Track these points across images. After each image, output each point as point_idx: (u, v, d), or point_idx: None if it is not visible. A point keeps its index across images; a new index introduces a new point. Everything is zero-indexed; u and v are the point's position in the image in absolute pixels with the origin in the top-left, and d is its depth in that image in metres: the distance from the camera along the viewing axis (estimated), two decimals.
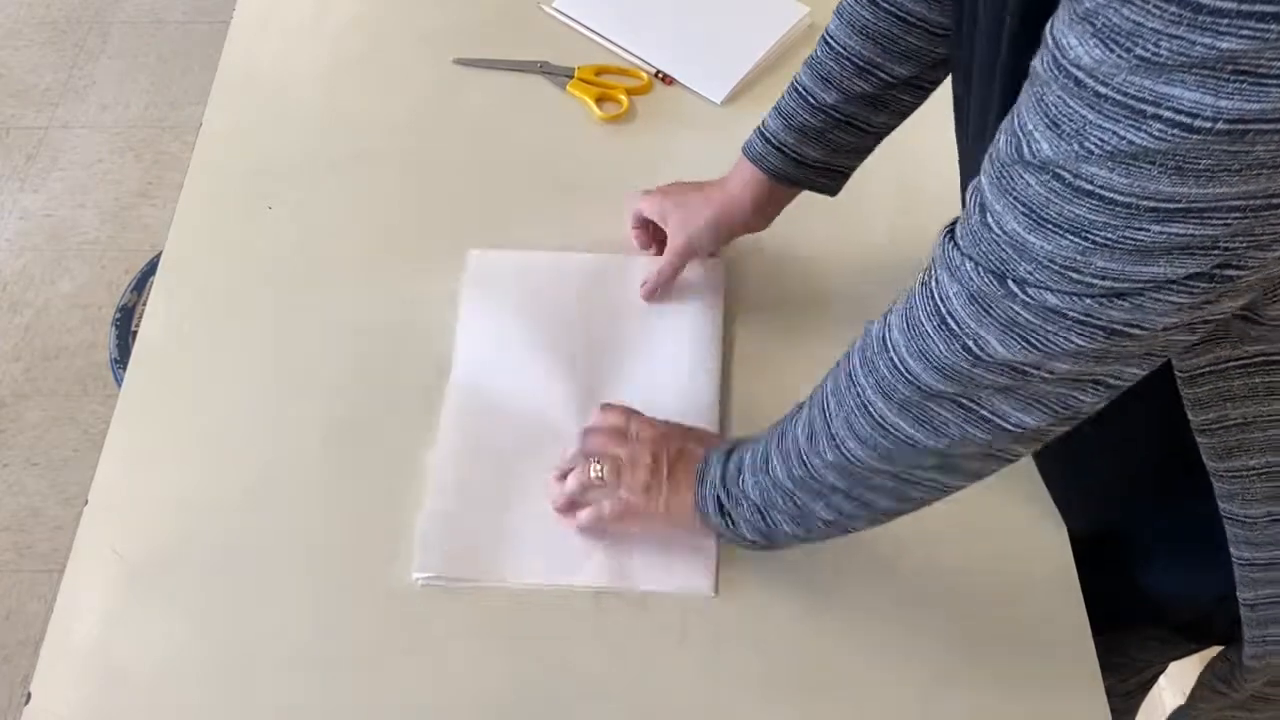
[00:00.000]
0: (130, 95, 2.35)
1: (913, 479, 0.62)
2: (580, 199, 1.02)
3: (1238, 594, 0.70)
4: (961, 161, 0.77)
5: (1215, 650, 0.82)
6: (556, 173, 1.05)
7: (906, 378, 0.57)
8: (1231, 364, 0.59)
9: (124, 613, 0.78)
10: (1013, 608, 0.79)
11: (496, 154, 1.06)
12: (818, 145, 0.85)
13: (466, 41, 1.15)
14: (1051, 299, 0.49)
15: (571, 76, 1.12)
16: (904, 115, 0.85)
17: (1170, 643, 0.87)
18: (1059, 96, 0.45)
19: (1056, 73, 0.45)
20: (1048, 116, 0.46)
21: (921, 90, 0.83)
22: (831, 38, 0.82)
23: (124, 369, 0.93)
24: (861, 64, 0.81)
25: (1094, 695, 0.75)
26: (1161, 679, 1.04)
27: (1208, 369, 0.60)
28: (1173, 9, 0.39)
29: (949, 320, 0.54)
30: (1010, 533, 0.83)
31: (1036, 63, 0.47)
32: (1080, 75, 0.44)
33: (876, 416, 0.60)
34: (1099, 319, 0.49)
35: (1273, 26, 0.38)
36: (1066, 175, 0.46)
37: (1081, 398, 0.54)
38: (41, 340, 1.96)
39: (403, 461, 0.85)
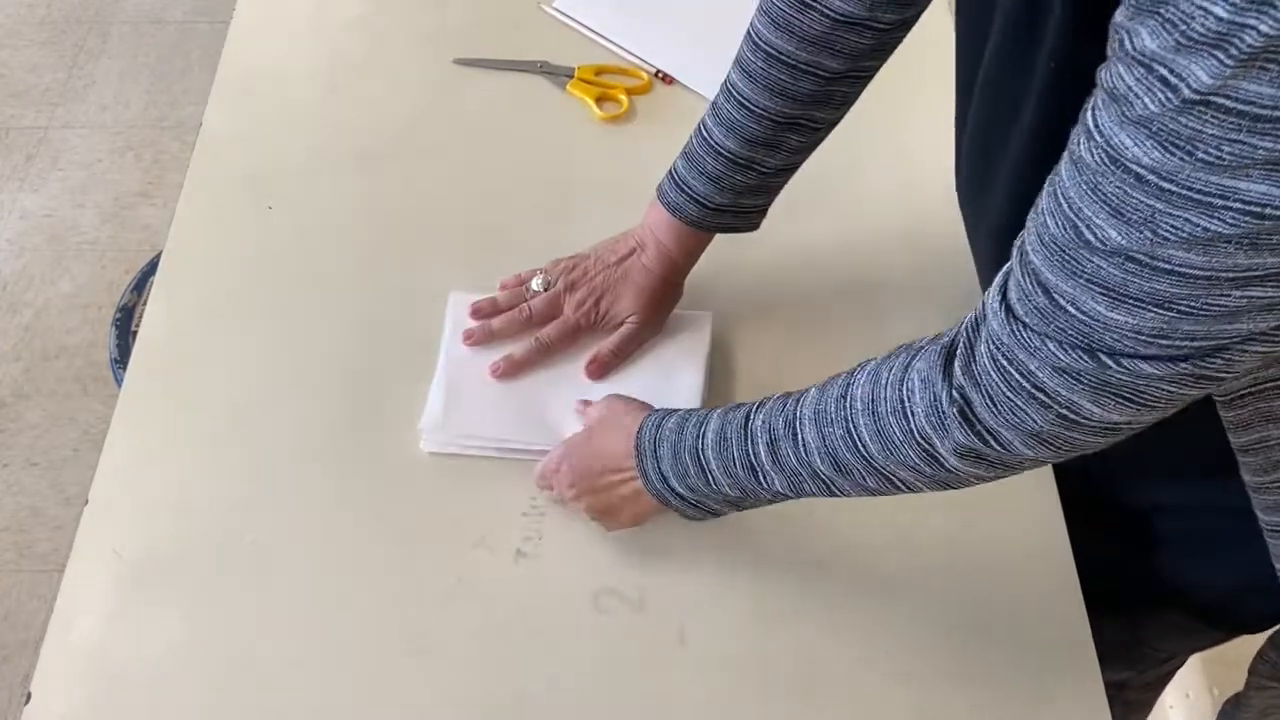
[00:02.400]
0: (130, 95, 2.35)
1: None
2: (580, 199, 1.02)
3: None
4: (958, 161, 0.77)
5: (1233, 639, 0.82)
6: (556, 173, 1.05)
7: (997, 447, 0.58)
8: (1269, 384, 0.59)
9: (124, 613, 0.78)
10: (1014, 607, 0.79)
11: (496, 154, 1.06)
12: (754, 195, 0.86)
13: (466, 41, 1.15)
14: (1145, 366, 0.50)
15: (571, 76, 1.12)
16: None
17: (1191, 630, 0.86)
18: (1119, 188, 0.45)
19: (1112, 167, 0.45)
20: (1109, 206, 0.46)
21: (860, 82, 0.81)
22: (745, 99, 0.81)
23: (124, 369, 0.93)
24: (781, 120, 0.80)
25: (1093, 691, 0.75)
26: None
27: (1247, 391, 0.59)
28: (1231, 120, 0.40)
29: (1039, 394, 0.54)
30: (1010, 529, 0.83)
31: (1082, 152, 0.47)
32: (1141, 172, 0.44)
33: (947, 466, 0.61)
34: (1191, 373, 0.50)
35: None
36: (1143, 258, 0.46)
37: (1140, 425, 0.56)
38: (41, 340, 1.96)
39: (402, 460, 0.85)
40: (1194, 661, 0.87)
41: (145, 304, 0.95)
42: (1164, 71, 0.42)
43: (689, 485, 0.72)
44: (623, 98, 1.10)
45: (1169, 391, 0.51)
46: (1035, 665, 0.77)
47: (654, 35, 1.15)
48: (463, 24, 1.17)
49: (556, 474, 0.80)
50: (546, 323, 0.89)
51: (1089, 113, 0.47)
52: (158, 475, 0.84)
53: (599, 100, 1.09)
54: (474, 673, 0.76)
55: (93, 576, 0.80)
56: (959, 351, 0.58)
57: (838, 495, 0.66)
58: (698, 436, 0.71)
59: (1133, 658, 0.80)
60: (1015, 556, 0.82)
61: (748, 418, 0.69)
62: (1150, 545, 0.81)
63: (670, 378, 0.89)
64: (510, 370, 0.88)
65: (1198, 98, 0.41)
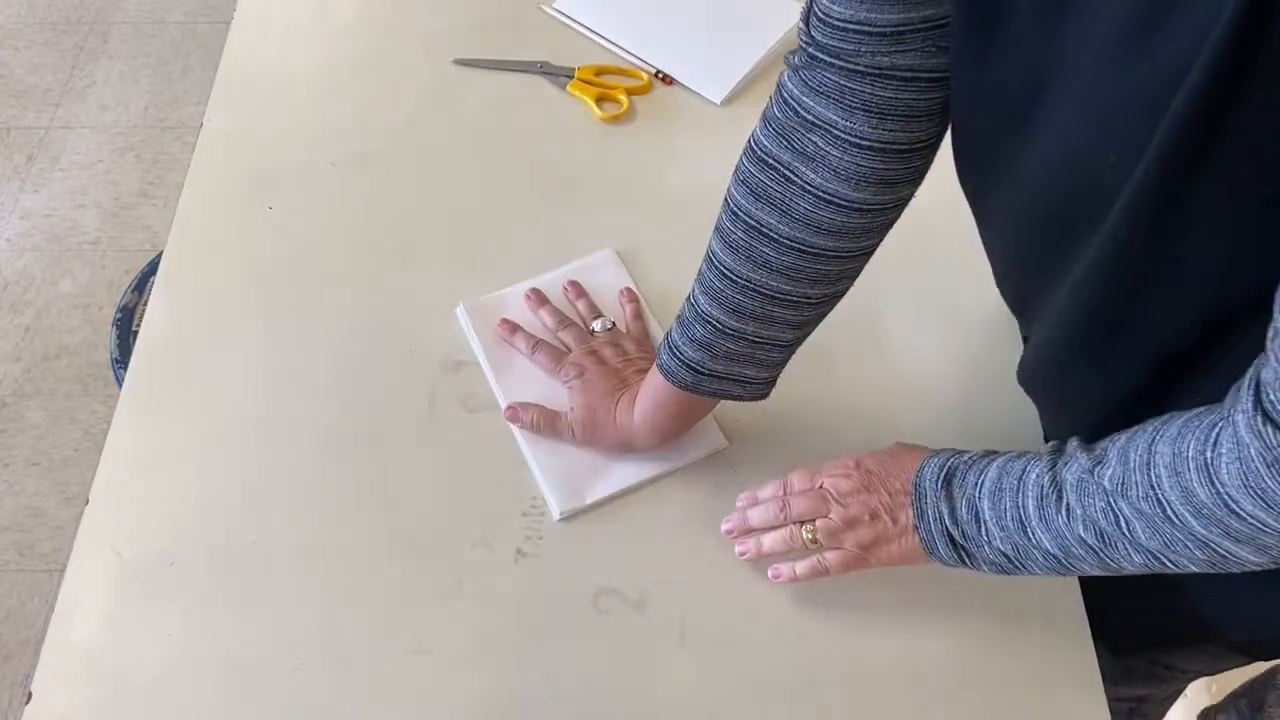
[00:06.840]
0: (130, 95, 2.35)
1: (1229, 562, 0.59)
2: (580, 199, 1.02)
3: None
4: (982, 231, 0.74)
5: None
6: (556, 173, 1.05)
7: (1268, 531, 0.53)
8: None
9: (124, 613, 0.78)
10: (1014, 608, 0.79)
11: (496, 154, 1.06)
12: (753, 365, 0.79)
13: (466, 41, 1.15)
14: None
15: (571, 76, 1.12)
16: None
17: (1220, 657, 0.84)
18: None
19: None
20: None
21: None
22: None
23: (124, 369, 0.93)
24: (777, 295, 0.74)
25: (1093, 696, 0.75)
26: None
27: None
28: None
29: None
30: None
31: None
32: None
33: (1218, 550, 0.56)
34: None
35: None
36: None
37: None
38: (42, 340, 1.96)
39: (402, 461, 0.85)
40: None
41: (145, 304, 0.95)
42: None
43: (963, 532, 0.66)
44: (623, 98, 1.10)
45: None
46: (1037, 666, 0.77)
47: (654, 35, 1.15)
48: (463, 24, 1.17)
49: (845, 473, 0.72)
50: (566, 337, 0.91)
51: None
52: (158, 475, 0.84)
53: (599, 100, 1.09)
54: (474, 673, 0.76)
55: (93, 576, 0.80)
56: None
57: (1110, 567, 0.62)
58: (976, 484, 0.66)
59: (1157, 677, 0.78)
60: None
61: (1024, 470, 0.64)
62: (1181, 584, 0.80)
63: None
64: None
65: None
